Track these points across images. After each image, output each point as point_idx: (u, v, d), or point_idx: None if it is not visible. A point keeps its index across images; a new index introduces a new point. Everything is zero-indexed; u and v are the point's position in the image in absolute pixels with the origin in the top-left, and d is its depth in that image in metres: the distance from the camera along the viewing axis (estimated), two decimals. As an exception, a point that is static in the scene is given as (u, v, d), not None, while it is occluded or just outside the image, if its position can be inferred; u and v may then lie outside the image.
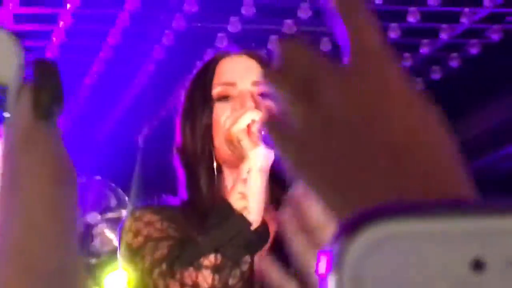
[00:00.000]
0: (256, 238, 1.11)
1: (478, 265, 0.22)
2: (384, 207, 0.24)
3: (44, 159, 0.39)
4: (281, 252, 0.52)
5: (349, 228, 0.22)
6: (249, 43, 1.52)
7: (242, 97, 1.17)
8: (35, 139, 0.39)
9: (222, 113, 1.18)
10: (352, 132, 0.30)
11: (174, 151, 1.23)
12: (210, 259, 1.06)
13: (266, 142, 1.01)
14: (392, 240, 0.22)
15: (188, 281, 1.05)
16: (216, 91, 1.20)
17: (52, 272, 0.40)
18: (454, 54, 3.84)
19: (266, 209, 1.13)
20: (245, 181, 1.11)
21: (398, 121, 0.30)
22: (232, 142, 1.14)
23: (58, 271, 0.41)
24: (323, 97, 0.31)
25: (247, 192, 1.10)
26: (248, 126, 1.12)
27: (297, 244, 0.39)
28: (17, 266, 0.39)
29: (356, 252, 0.22)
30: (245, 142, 1.12)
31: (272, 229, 1.12)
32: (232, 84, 1.20)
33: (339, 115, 0.31)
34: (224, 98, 1.19)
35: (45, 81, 0.37)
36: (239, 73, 1.20)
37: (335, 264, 0.22)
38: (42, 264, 0.40)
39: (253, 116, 1.13)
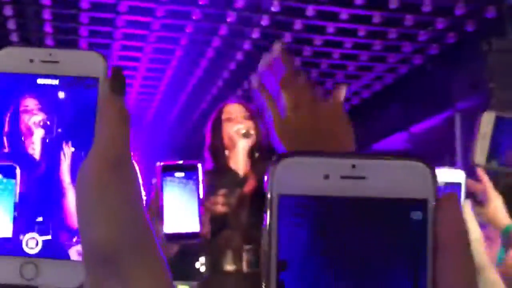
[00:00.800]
0: (242, 181, 2.51)
1: (326, 177, 0.45)
2: (293, 151, 0.46)
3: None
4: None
5: (275, 160, 0.46)
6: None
7: (235, 120, 2.67)
8: (113, 105, 0.57)
9: (227, 127, 2.68)
10: (310, 127, 0.90)
11: (206, 146, 2.78)
12: (222, 191, 2.43)
13: (246, 136, 2.63)
14: (293, 164, 0.45)
15: (211, 203, 2.31)
16: (224, 117, 2.72)
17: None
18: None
19: (247, 168, 2.60)
20: (237, 152, 2.64)
21: (327, 126, 0.92)
22: (231, 138, 2.66)
23: None
24: (304, 110, 0.91)
25: (238, 160, 2.63)
26: (237, 131, 2.64)
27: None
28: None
29: (276, 171, 0.45)
30: (235, 137, 2.64)
31: (251, 176, 2.52)
32: (230, 117, 2.70)
33: (308, 120, 0.90)
34: (227, 120, 2.71)
35: (117, 74, 0.58)
36: (234, 110, 2.71)
37: (268, 181, 0.45)
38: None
39: (239, 127, 2.64)
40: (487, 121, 1.24)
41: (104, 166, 0.54)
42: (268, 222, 0.44)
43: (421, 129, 6.99)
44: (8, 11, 4.89)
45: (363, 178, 0.45)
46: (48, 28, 5.27)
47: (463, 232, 0.45)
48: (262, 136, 2.62)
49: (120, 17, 5.03)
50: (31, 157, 0.59)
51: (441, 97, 6.05)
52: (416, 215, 0.45)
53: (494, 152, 1.24)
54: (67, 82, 0.57)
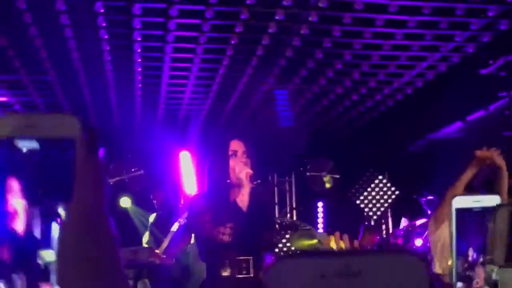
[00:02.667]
0: (245, 216, 3.21)
1: (323, 276, 0.46)
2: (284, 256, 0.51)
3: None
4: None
5: (271, 263, 0.48)
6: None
7: (239, 157, 3.34)
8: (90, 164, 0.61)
9: (233, 163, 3.31)
10: None
11: (212, 179, 3.41)
12: (230, 225, 3.19)
13: (251, 181, 3.23)
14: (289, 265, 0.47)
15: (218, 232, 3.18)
16: (229, 153, 3.31)
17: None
18: None
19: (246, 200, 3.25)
20: (244, 193, 3.27)
21: None
22: (239, 178, 3.27)
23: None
24: None
25: (244, 199, 3.25)
26: (246, 173, 3.24)
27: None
28: None
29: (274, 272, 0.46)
30: (244, 180, 3.25)
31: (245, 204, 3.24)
32: (235, 151, 3.33)
33: None
34: (232, 155, 3.31)
35: (92, 135, 0.62)
36: (237, 147, 3.32)
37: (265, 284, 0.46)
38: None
39: (247, 170, 3.25)
40: (502, 217, 1.13)
41: (82, 219, 0.59)
42: None
43: (477, 117, 6.86)
44: (64, 19, 5.07)
45: (357, 274, 0.47)
46: (103, 34, 5.44)
47: None
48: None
49: (172, 20, 5.14)
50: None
51: (496, 85, 5.92)
52: None
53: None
54: (46, 144, 0.61)
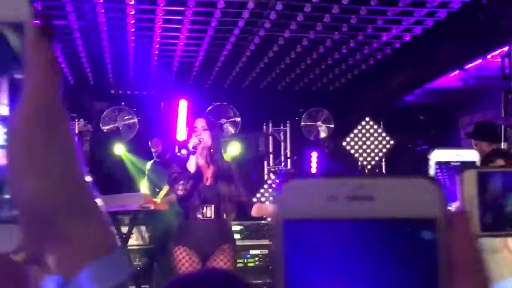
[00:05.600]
0: (192, 175, 4.37)
1: (333, 198, 0.43)
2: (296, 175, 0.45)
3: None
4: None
5: (279, 184, 0.44)
6: None
7: (197, 132, 4.43)
8: (40, 52, 0.52)
9: (193, 136, 4.47)
10: None
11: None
12: (181, 182, 4.37)
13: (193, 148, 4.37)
14: (297, 187, 0.44)
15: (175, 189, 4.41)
16: (194, 129, 4.47)
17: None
18: None
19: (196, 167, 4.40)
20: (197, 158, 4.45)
21: None
22: (193, 147, 4.44)
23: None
24: None
25: (191, 164, 4.44)
26: (192, 143, 4.43)
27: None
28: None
29: (280, 196, 0.44)
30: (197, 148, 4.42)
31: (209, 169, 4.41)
32: (195, 127, 4.45)
33: None
34: (193, 131, 4.48)
35: (45, 18, 0.54)
36: (198, 123, 4.47)
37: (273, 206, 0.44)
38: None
39: (193, 140, 4.40)
40: (469, 182, 1.02)
41: (32, 115, 0.50)
42: (273, 249, 0.44)
43: (476, 66, 6.78)
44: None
45: (370, 198, 0.44)
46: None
47: (475, 251, 0.44)
48: (212, 141, 4.37)
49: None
50: None
51: (496, 32, 5.82)
52: (426, 235, 0.44)
53: (484, 215, 1.04)
54: None
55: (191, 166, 4.38)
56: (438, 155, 1.21)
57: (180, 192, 4.28)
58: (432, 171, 1.18)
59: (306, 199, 0.44)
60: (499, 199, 1.01)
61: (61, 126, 0.52)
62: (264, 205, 4.95)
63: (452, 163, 1.46)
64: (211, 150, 4.39)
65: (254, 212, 4.51)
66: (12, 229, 0.52)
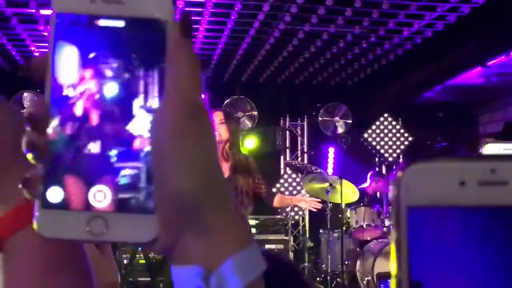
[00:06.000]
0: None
1: (462, 183, 0.40)
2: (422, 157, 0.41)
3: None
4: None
5: (402, 167, 0.41)
6: None
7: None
8: (185, 49, 0.53)
9: None
10: None
11: None
12: None
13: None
14: (423, 172, 0.41)
15: None
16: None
17: None
18: None
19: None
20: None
21: None
22: None
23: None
24: None
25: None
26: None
27: None
28: None
29: (404, 180, 0.40)
30: None
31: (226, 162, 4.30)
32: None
33: None
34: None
35: (187, 17, 0.53)
36: (215, 117, 4.30)
37: (395, 191, 0.41)
38: None
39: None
40: None
41: (183, 113, 0.51)
42: (396, 239, 0.40)
43: (498, 63, 6.69)
44: None
45: (505, 183, 0.40)
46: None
47: None
48: (230, 135, 4.31)
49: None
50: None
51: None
52: None
53: None
54: (133, 24, 0.52)
55: None
56: (490, 149, 1.16)
57: None
58: None
59: (433, 184, 0.40)
60: None
61: (205, 118, 0.52)
62: (287, 196, 4.96)
63: None
64: (228, 144, 4.35)
65: (276, 203, 4.50)
66: (149, 220, 0.51)
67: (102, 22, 0.52)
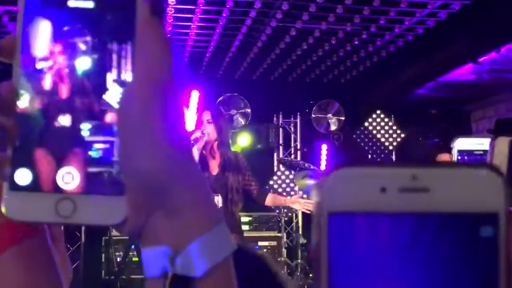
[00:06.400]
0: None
1: (384, 189, 0.40)
2: (344, 163, 0.41)
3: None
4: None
5: (324, 173, 0.41)
6: None
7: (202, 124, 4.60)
8: (153, 27, 0.52)
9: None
10: None
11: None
12: None
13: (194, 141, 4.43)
14: (344, 177, 0.40)
15: None
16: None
17: None
18: None
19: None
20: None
21: None
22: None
23: None
24: None
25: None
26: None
27: None
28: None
29: (325, 186, 0.40)
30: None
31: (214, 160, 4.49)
32: (202, 120, 4.62)
33: None
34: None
35: None
36: (204, 116, 4.63)
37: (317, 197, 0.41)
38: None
39: (195, 133, 4.44)
40: (502, 148, 1.01)
41: (149, 90, 0.50)
42: (317, 244, 0.40)
43: (489, 59, 6.72)
44: None
45: (426, 190, 0.40)
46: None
47: None
48: (218, 135, 4.40)
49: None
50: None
51: (510, 25, 5.76)
52: (486, 231, 0.40)
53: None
54: (103, 3, 0.53)
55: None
56: (461, 144, 1.17)
57: None
58: (454, 160, 1.16)
59: (354, 190, 0.40)
60: None
61: (176, 99, 0.52)
62: (280, 197, 4.98)
63: (475, 152, 1.43)
64: (216, 142, 4.44)
65: (269, 202, 4.54)
66: (118, 201, 0.51)
67: (72, 3, 0.52)
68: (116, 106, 0.52)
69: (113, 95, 0.52)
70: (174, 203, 0.51)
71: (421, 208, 0.40)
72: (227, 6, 6.29)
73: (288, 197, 5.22)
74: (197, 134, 4.43)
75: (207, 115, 4.53)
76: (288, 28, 7.01)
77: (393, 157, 9.02)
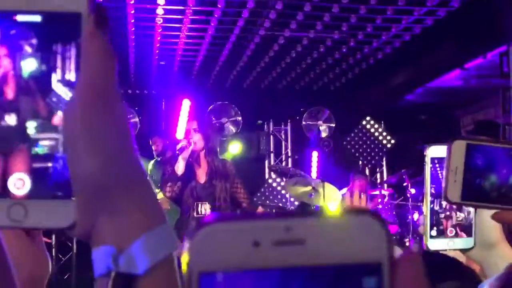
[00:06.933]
0: (179, 177, 4.49)
1: (257, 244, 0.37)
2: (212, 217, 0.39)
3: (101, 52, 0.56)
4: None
5: (193, 229, 0.38)
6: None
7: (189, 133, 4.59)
8: (96, 40, 0.55)
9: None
10: None
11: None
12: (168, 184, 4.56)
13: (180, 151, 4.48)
14: (214, 233, 0.38)
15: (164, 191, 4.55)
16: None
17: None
18: None
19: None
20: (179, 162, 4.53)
21: None
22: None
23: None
24: None
25: (179, 166, 4.47)
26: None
27: None
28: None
29: (194, 243, 0.37)
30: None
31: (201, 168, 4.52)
32: (188, 129, 4.65)
33: None
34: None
35: (102, 10, 0.57)
36: (189, 126, 4.68)
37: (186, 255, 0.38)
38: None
39: (181, 142, 4.52)
40: (458, 152, 1.03)
41: (91, 98, 0.53)
42: None
43: (476, 65, 6.78)
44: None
45: (301, 242, 0.38)
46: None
47: None
48: (204, 143, 4.45)
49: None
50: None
51: (495, 31, 5.82)
52: (370, 282, 0.38)
53: (469, 186, 1.03)
54: (49, 17, 0.55)
55: (179, 167, 4.48)
56: (434, 151, 1.19)
57: (167, 194, 4.48)
58: (428, 167, 1.18)
59: (226, 247, 0.37)
60: (484, 172, 1.02)
61: (117, 107, 0.54)
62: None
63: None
64: (203, 151, 4.50)
65: None
66: (67, 205, 0.53)
67: (19, 17, 0.54)
68: (61, 107, 0.54)
69: (58, 94, 0.55)
70: (117, 205, 0.53)
71: (298, 260, 0.38)
72: (216, 15, 6.33)
73: None
74: (183, 143, 4.49)
75: (193, 124, 4.59)
76: (277, 37, 7.06)
77: (384, 163, 9.06)
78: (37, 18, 0.55)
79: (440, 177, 1.18)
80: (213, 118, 8.24)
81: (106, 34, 0.56)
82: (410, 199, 6.77)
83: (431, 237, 1.21)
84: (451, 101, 8.73)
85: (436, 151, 1.23)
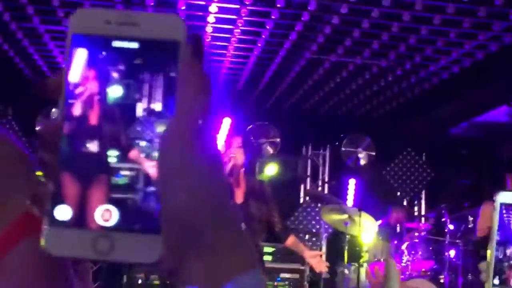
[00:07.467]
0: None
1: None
2: None
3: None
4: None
5: None
6: None
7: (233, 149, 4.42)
8: (194, 70, 0.55)
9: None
10: None
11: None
12: None
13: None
14: None
15: None
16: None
17: None
18: None
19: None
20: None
21: None
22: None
23: None
24: None
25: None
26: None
27: None
28: None
29: None
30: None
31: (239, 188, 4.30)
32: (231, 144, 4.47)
33: None
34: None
35: (199, 39, 0.57)
36: (234, 142, 4.47)
37: None
38: None
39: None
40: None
41: (187, 136, 0.51)
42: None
43: (525, 102, 6.62)
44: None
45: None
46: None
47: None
48: (245, 161, 4.38)
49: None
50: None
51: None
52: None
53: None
54: (146, 45, 0.54)
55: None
56: (504, 197, 1.17)
57: None
58: (496, 213, 1.16)
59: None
60: None
61: (208, 140, 0.53)
62: (301, 244, 4.75)
63: None
64: (243, 169, 4.34)
65: (289, 243, 4.43)
66: (155, 240, 0.51)
67: (116, 44, 0.54)
68: (143, 137, 0.53)
69: (141, 123, 0.54)
70: (209, 243, 0.51)
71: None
72: (263, 36, 6.33)
73: (307, 250, 4.89)
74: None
75: (237, 141, 4.47)
76: (323, 61, 7.02)
77: (422, 196, 8.88)
78: (134, 45, 0.54)
79: (507, 223, 1.15)
80: (252, 138, 8.23)
81: (201, 64, 0.55)
82: (448, 235, 6.60)
83: (494, 285, 1.18)
84: (495, 137, 8.54)
85: (506, 197, 1.20)
